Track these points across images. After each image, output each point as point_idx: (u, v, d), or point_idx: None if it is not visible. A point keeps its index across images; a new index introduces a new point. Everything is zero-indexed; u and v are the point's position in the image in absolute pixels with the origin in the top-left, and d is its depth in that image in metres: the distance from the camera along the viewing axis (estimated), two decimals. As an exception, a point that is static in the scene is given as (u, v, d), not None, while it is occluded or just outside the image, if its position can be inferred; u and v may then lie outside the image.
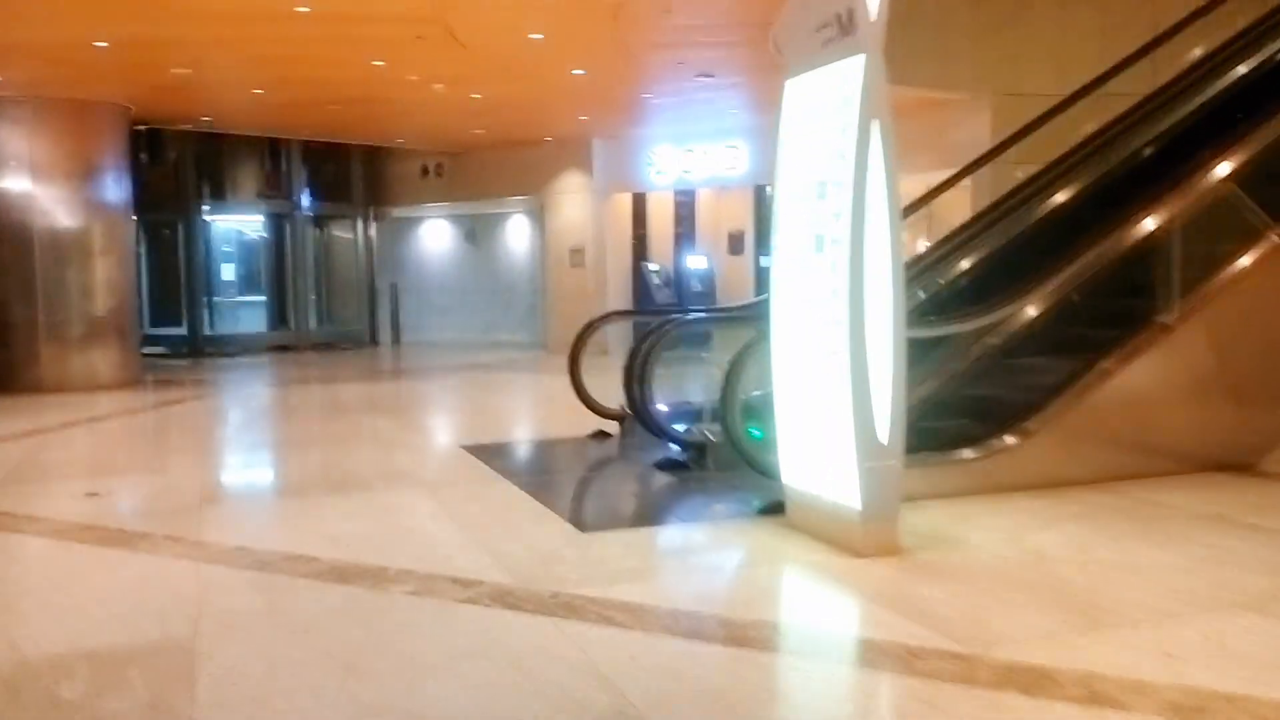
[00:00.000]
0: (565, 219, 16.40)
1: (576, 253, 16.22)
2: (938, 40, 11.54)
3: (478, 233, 21.03)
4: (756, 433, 7.09)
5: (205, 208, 17.07)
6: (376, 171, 19.10)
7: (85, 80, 10.78)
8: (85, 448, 8.25)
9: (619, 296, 16.40)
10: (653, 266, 16.60)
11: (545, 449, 7.99)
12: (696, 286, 17.29)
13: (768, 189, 18.46)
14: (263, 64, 10.31)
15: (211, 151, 16.97)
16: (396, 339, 18.93)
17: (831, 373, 4.56)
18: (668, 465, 6.92)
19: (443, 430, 8.99)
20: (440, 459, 7.41)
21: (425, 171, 18.40)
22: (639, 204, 16.91)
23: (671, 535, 5.27)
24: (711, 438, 6.83)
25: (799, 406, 4.96)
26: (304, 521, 5.46)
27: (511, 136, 15.80)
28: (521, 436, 8.56)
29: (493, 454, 7.45)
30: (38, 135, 11.60)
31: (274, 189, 17.84)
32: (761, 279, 18.46)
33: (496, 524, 5.31)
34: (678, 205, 17.54)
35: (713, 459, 6.77)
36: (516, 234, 20.52)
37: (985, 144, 11.84)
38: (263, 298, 18.11)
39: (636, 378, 7.06)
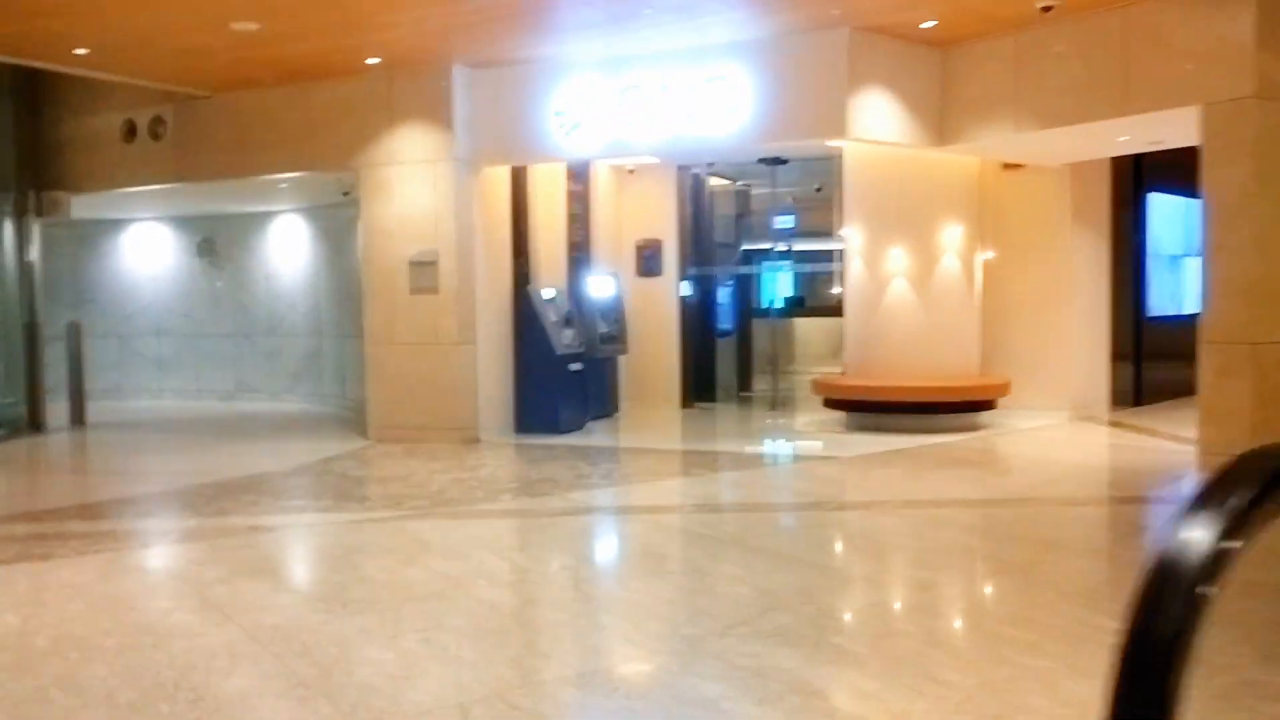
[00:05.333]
0: (401, 209, 9.37)
1: (423, 268, 9.23)
2: None
3: (218, 243, 13.49)
4: None
5: None
6: (39, 130, 11.15)
7: None
8: None
9: (495, 341, 9.58)
10: (546, 293, 9.89)
11: None
12: (601, 326, 10.75)
13: (701, 173, 12.28)
14: None
15: None
16: (78, 418, 11.04)
17: None
18: None
19: None
20: None
21: (132, 131, 10.69)
22: (517, 190, 10.16)
23: None
24: None
25: None
26: None
27: (304, 54, 8.64)
28: None
29: None
30: None
31: None
32: (689, 315, 12.15)
33: None
34: (570, 197, 10.94)
35: None
36: (287, 240, 13.18)
37: None
38: None
39: None
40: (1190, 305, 12.03)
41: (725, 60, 8.42)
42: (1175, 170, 10.50)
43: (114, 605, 4.34)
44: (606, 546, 5.71)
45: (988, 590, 4.56)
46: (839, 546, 5.51)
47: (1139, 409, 10.90)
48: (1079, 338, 10.35)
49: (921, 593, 4.63)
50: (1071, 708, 3.11)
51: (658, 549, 5.45)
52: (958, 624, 4.05)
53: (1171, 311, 11.87)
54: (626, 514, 6.35)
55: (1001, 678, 3.37)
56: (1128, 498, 6.85)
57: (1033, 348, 10.31)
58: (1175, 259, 12.09)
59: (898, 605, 4.44)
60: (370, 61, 8.81)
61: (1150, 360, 11.31)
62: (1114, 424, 9.91)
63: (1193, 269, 12.16)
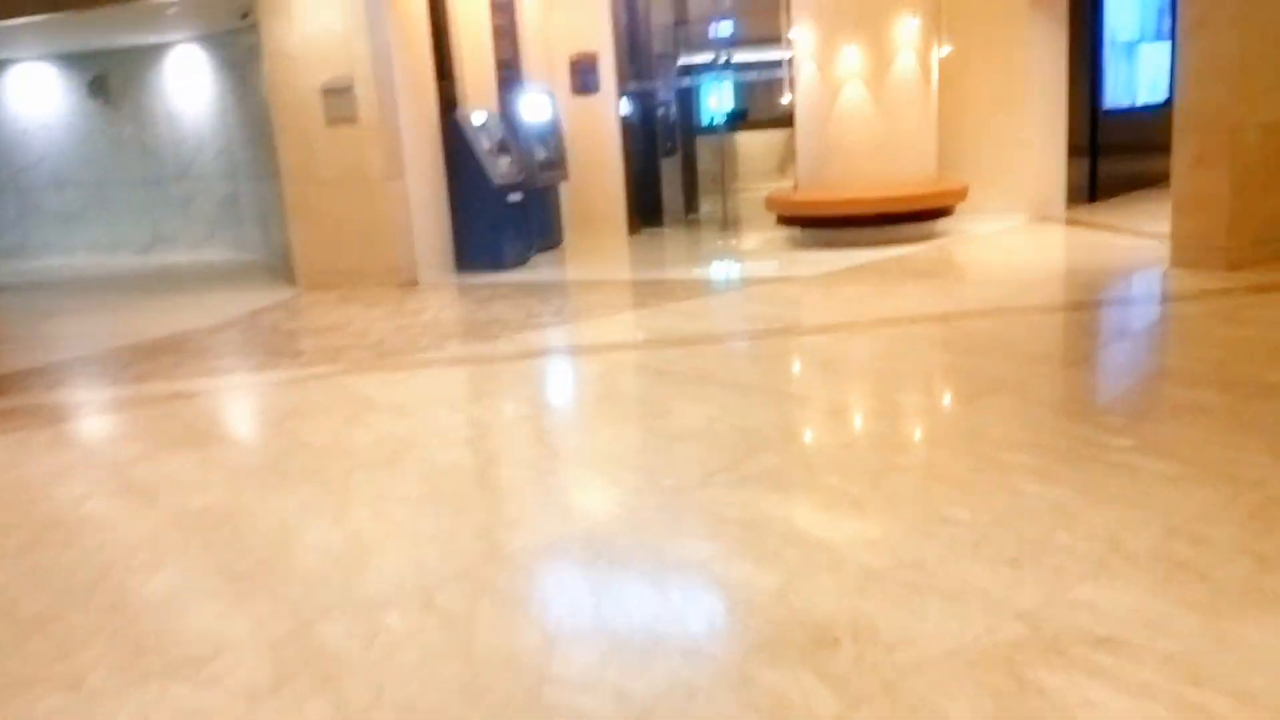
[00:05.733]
0: (306, 30, 8.46)
1: (337, 96, 8.42)
2: None
3: (111, 81, 12.36)
4: None
5: None
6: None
7: None
8: None
9: (427, 174, 8.88)
10: (478, 118, 9.13)
11: None
12: (539, 151, 10.06)
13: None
14: None
15: None
16: (-20, 283, 10.27)
17: None
18: None
19: None
20: None
21: (-10, -45, 9.49)
22: (435, 3, 9.21)
23: None
24: None
25: None
26: None
27: None
28: None
29: None
30: None
31: None
32: (630, 135, 11.47)
33: None
34: (494, 8, 10.00)
35: None
36: (187, 75, 12.10)
37: None
38: None
39: None
40: (1145, 95, 11.59)
41: None
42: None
43: (18, 495, 3.86)
44: (567, 392, 5.32)
45: (981, 412, 4.25)
46: (816, 374, 5.16)
47: (1095, 205, 10.61)
48: (1037, 135, 9.91)
49: (912, 420, 4.32)
50: (1098, 541, 2.81)
51: (623, 391, 5.06)
52: (957, 453, 3.74)
53: (1126, 102, 11.43)
54: (584, 354, 5.93)
55: (1015, 511, 3.08)
56: (1104, 300, 6.58)
57: (989, 147, 9.88)
58: (1131, 45, 11.55)
59: (889, 436, 4.12)
60: None
61: (1105, 154, 10.94)
62: (1073, 222, 9.61)
63: (1149, 56, 11.66)
